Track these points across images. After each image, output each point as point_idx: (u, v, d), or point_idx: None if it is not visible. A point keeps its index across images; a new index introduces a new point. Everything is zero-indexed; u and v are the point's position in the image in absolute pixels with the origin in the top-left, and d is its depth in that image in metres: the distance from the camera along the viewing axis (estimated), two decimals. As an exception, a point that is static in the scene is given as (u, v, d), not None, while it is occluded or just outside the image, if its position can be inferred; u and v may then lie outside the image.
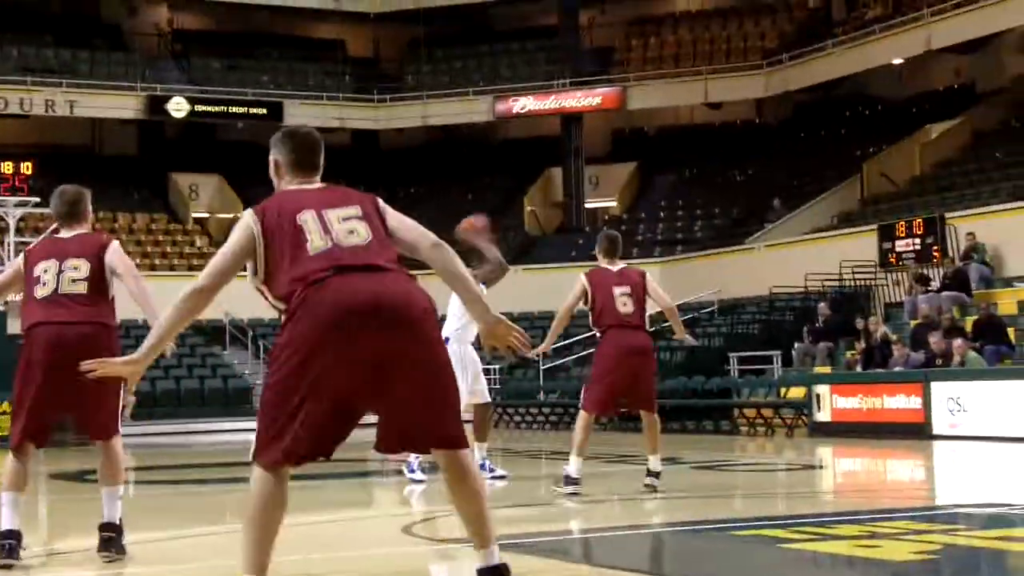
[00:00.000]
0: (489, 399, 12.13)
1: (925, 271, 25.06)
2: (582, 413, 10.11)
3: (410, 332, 4.55)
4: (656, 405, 10.19)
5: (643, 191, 39.80)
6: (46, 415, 6.72)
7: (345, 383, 4.51)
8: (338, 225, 4.75)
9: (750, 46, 38.28)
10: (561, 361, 29.25)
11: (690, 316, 29.93)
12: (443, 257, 4.83)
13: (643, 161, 40.04)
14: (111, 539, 6.80)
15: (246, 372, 31.69)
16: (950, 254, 24.89)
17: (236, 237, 4.78)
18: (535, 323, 29.38)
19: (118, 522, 6.85)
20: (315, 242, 4.69)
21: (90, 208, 7.16)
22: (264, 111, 38.23)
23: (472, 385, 11.60)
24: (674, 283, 32.53)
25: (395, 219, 4.91)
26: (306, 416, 4.50)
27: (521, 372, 30.29)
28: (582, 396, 10.29)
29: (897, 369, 20.07)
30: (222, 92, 38.36)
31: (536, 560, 6.67)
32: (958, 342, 19.33)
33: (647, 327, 10.20)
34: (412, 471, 11.67)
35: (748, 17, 39.97)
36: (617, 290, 9.99)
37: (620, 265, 10.25)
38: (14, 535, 6.59)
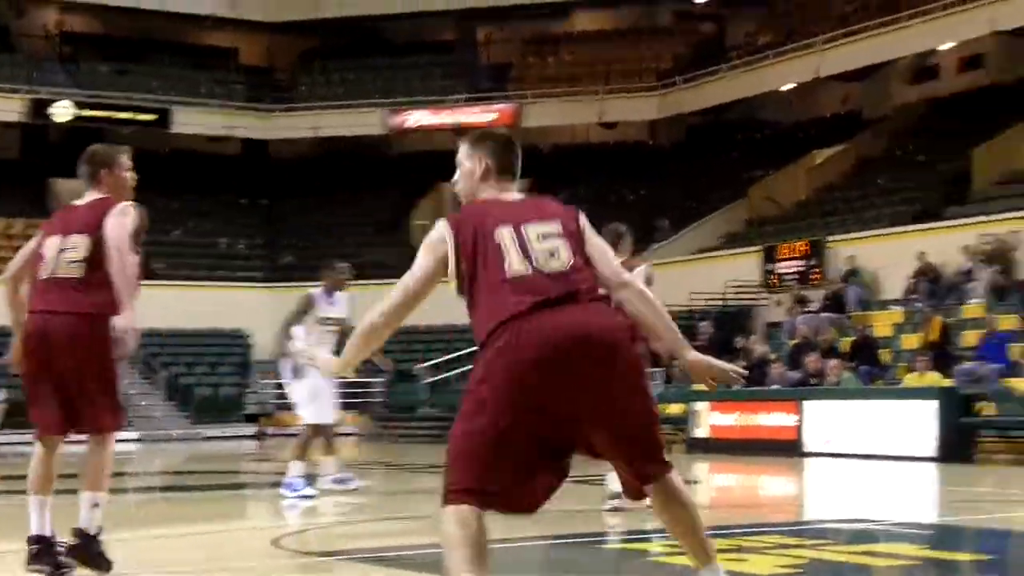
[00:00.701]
0: (330, 420, 11.77)
1: (806, 292, 25.49)
2: None
3: (617, 368, 4.29)
4: None
5: (536, 208, 39.88)
6: (50, 406, 6.13)
7: (551, 428, 4.27)
8: (537, 244, 4.40)
9: (645, 68, 38.65)
10: (444, 375, 29.26)
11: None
12: (631, 296, 4.51)
13: (536, 178, 39.93)
14: (68, 549, 6.17)
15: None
16: (830, 276, 25.35)
17: (426, 255, 4.49)
18: (419, 336, 29.35)
19: (92, 533, 6.15)
20: (514, 265, 4.36)
21: (112, 166, 6.38)
22: (152, 117, 37.80)
23: (310, 404, 11.42)
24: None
25: (594, 246, 4.53)
26: (514, 462, 4.23)
27: (404, 385, 30.23)
28: None
29: (774, 387, 20.39)
30: (109, 97, 37.80)
31: (406, 574, 6.67)
32: (833, 362, 19.70)
33: None
34: (296, 488, 11.18)
35: (644, 39, 40.36)
36: None
37: None
38: (43, 540, 6.13)
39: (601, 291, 4.44)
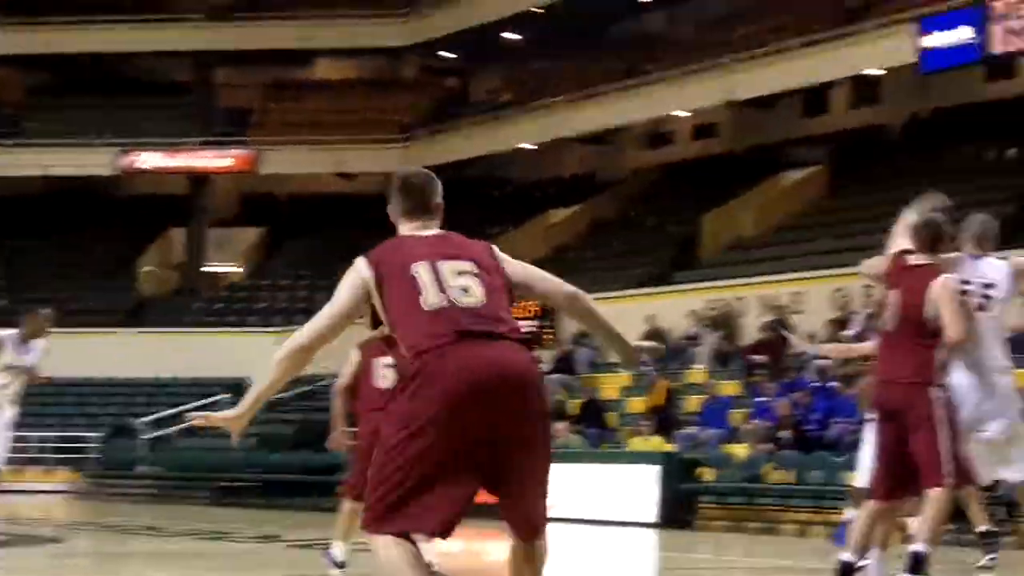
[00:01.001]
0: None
1: (537, 353, 25.39)
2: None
3: (528, 410, 4.44)
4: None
5: (269, 258, 39.12)
6: None
7: (465, 462, 4.38)
8: (452, 280, 4.55)
9: (388, 119, 38.40)
10: (166, 431, 28.17)
11: (308, 388, 29.44)
12: (580, 307, 4.88)
13: (271, 227, 39.40)
14: None
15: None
16: (561, 337, 25.38)
17: (347, 289, 4.65)
18: (141, 389, 28.26)
19: None
20: (429, 298, 4.51)
21: None
22: None
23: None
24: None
25: (518, 269, 4.75)
26: (426, 493, 4.36)
27: (122, 441, 28.94)
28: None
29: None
30: None
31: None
32: (561, 424, 19.59)
33: None
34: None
35: (387, 90, 40.13)
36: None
37: None
38: None
39: (512, 327, 4.57)
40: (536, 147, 34.67)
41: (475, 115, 36.37)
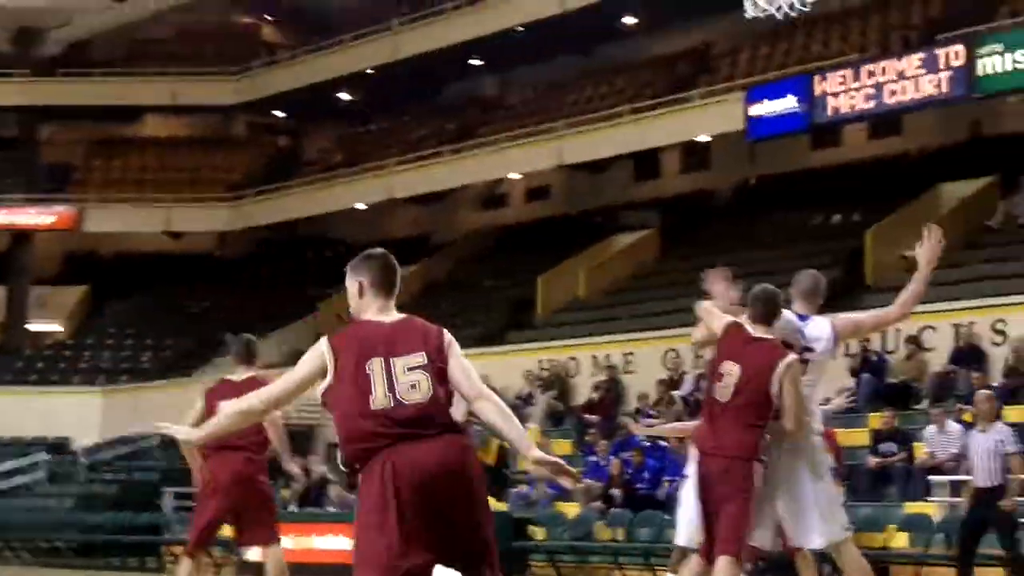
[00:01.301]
0: None
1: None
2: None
3: (474, 496, 5.03)
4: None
5: (92, 316, 38.11)
6: None
7: (418, 543, 4.91)
8: (403, 377, 5.01)
9: (216, 178, 37.90)
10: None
11: (130, 449, 28.70)
12: (488, 409, 5.12)
13: (95, 285, 38.41)
14: None
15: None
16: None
17: (306, 365, 5.13)
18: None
19: None
20: (379, 398, 4.98)
21: None
22: None
23: None
24: (117, 414, 31.21)
25: (456, 367, 5.16)
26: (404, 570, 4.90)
27: None
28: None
29: (331, 510, 19.84)
30: None
31: None
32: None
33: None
34: None
35: (216, 149, 39.63)
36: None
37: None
38: None
39: (455, 420, 5.07)
40: (368, 207, 34.50)
41: (307, 175, 36.09)
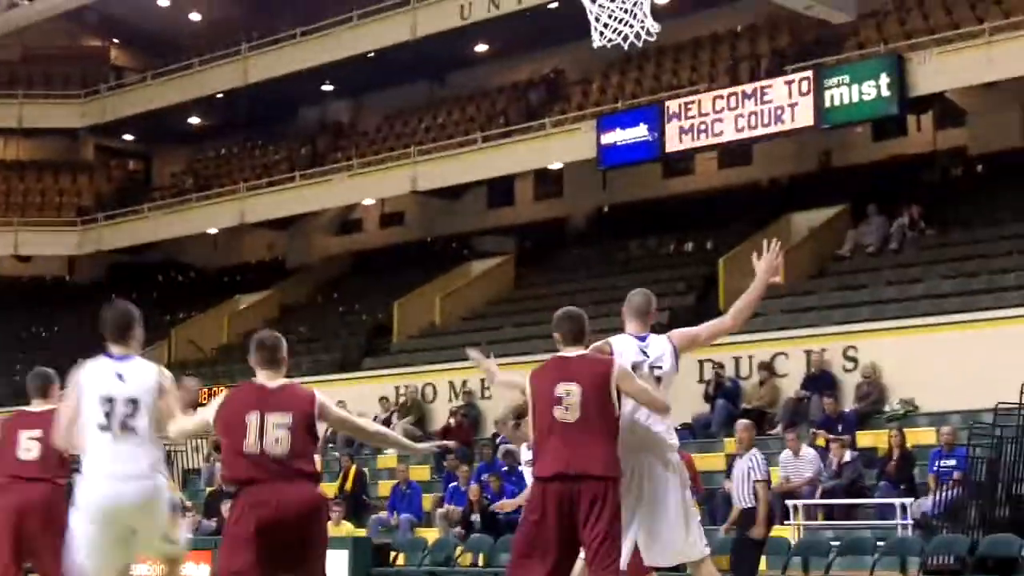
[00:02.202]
0: None
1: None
2: None
3: (314, 533, 6.77)
4: None
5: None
6: None
7: (271, 569, 6.66)
8: (271, 432, 6.66)
9: (65, 202, 37.28)
10: None
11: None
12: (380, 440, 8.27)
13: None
14: None
15: None
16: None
17: (209, 410, 6.97)
18: None
19: None
20: (249, 444, 6.66)
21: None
22: None
23: None
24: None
25: (332, 416, 7.18)
26: None
27: None
28: None
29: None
30: None
31: None
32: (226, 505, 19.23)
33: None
34: None
35: (65, 173, 38.95)
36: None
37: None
38: None
39: (305, 469, 6.76)
40: (220, 232, 34.24)
41: (157, 199, 35.71)
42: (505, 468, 18.81)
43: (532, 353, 23.51)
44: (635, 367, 7.43)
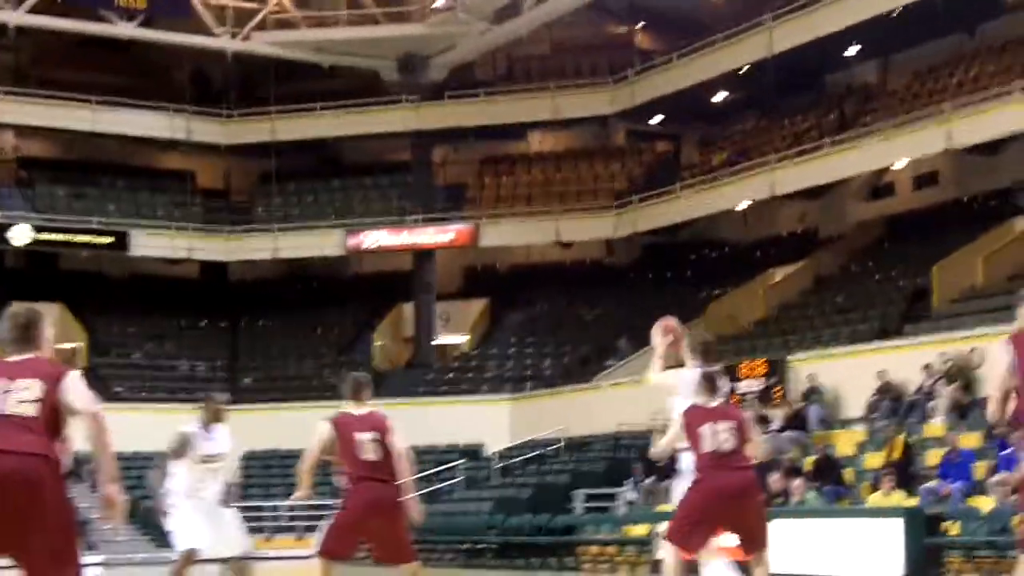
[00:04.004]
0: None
1: (767, 411, 25.24)
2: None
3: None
4: (411, 554, 9.45)
5: (493, 328, 39.77)
6: None
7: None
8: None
9: (600, 187, 38.76)
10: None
11: (537, 452, 29.78)
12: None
13: (494, 298, 40.10)
14: None
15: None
16: (791, 395, 25.15)
17: None
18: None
19: None
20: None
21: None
22: (110, 240, 37.53)
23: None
24: (522, 420, 32.56)
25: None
26: None
27: None
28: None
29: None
30: (66, 220, 37.55)
31: None
32: (797, 482, 19.40)
33: (397, 475, 9.40)
34: None
35: (598, 159, 40.54)
36: (361, 436, 9.33)
37: (367, 409, 9.60)
38: None
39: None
40: (751, 206, 34.43)
41: (687, 178, 36.40)
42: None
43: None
44: None
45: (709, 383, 9.09)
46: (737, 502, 8.85)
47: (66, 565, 5.98)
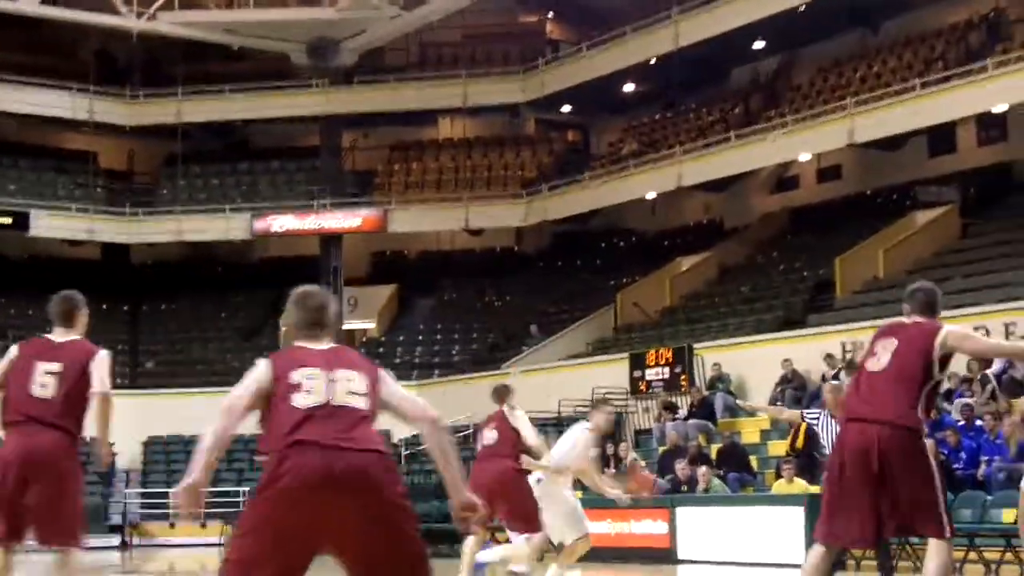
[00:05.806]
0: None
1: (673, 399, 25.59)
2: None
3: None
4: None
5: (402, 313, 39.76)
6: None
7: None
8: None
9: (510, 175, 38.87)
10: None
11: (445, 440, 29.77)
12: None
13: (403, 284, 40.08)
14: None
15: None
16: (697, 383, 25.49)
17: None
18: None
19: None
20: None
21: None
22: (9, 220, 36.90)
23: None
24: (431, 406, 32.55)
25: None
26: None
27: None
28: None
29: (644, 495, 20.31)
30: (-38, 201, 36.86)
31: None
32: (703, 469, 19.71)
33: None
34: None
35: (509, 147, 40.66)
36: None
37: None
38: None
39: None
40: (658, 196, 34.77)
41: (596, 168, 36.68)
42: (962, 423, 18.39)
43: (982, 304, 22.89)
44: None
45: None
46: None
47: None
